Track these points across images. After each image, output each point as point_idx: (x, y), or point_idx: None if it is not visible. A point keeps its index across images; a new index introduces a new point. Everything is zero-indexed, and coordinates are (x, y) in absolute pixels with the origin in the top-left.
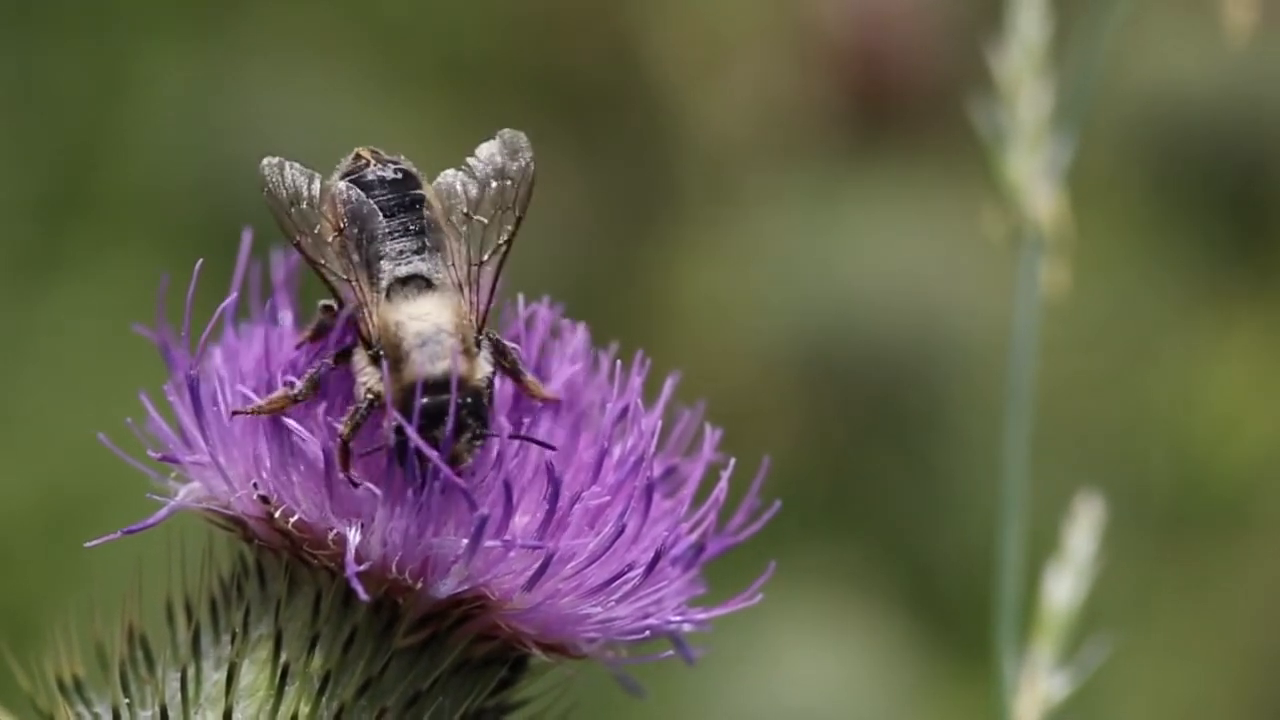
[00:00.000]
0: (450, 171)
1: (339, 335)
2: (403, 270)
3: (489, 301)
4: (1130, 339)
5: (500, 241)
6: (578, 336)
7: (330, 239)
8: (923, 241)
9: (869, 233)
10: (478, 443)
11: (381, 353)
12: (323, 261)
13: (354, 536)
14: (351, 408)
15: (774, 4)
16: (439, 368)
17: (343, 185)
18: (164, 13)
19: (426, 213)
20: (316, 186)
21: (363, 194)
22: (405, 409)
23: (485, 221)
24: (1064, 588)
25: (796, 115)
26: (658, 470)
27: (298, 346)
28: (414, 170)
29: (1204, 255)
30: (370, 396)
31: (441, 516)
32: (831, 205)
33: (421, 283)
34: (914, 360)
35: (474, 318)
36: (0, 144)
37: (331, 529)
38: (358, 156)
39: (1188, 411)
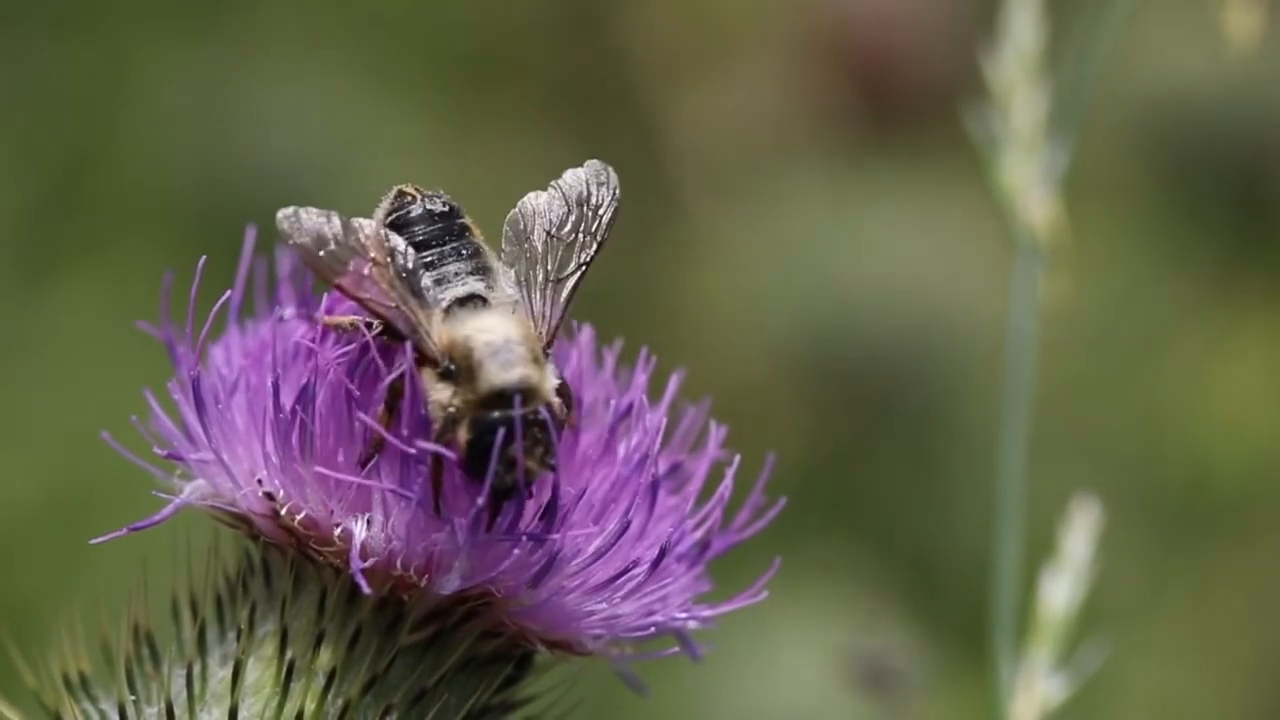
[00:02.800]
0: (538, 192)
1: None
2: (460, 290)
3: (560, 319)
4: (1136, 339)
5: (579, 263)
6: (584, 334)
7: (368, 271)
8: (925, 240)
9: (872, 232)
10: (549, 459)
11: (452, 366)
12: (367, 296)
13: (360, 531)
14: (435, 428)
15: (776, 5)
16: (513, 374)
17: (383, 230)
18: (163, 12)
19: (474, 239)
20: (337, 223)
21: (398, 235)
22: (480, 422)
23: (567, 242)
24: (1061, 591)
25: (799, 116)
26: (662, 467)
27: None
28: (456, 204)
29: (1210, 255)
30: (450, 411)
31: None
32: (834, 205)
33: (479, 301)
34: (917, 359)
35: (543, 331)
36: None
37: (337, 525)
38: (400, 194)
39: (1194, 412)
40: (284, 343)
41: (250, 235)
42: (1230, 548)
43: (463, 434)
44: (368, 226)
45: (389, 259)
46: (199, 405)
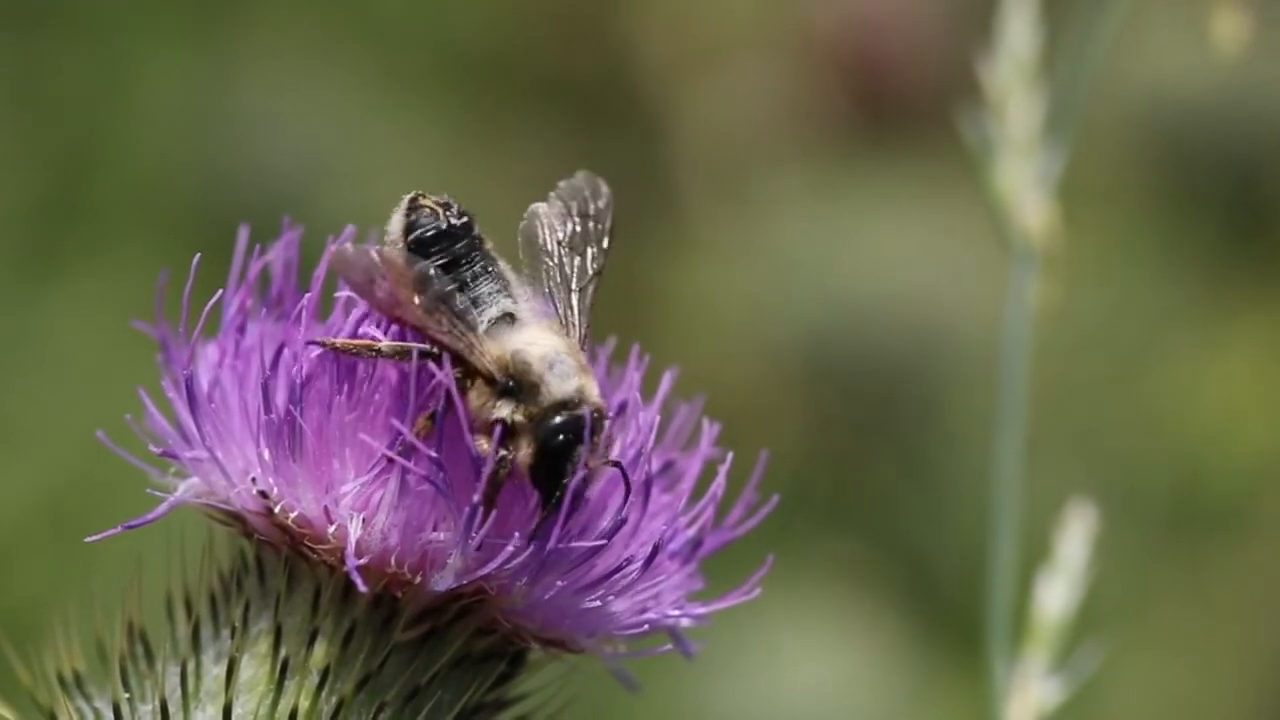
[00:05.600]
0: (541, 203)
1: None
2: (494, 311)
3: (587, 328)
4: (1130, 342)
5: (593, 272)
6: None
7: (418, 301)
8: (921, 243)
9: (869, 232)
10: (609, 454)
11: (510, 383)
12: (430, 326)
13: (355, 529)
14: (498, 451)
15: (774, 6)
16: (570, 385)
17: (404, 255)
18: (164, 15)
19: (492, 253)
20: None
21: (423, 260)
22: (546, 430)
23: (579, 252)
24: (1056, 595)
25: (796, 118)
26: (656, 465)
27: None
28: (470, 213)
29: (1203, 257)
30: (516, 423)
31: (441, 511)
32: (832, 205)
33: (510, 318)
34: (913, 359)
35: (576, 339)
36: (0, 145)
37: (332, 523)
38: (415, 205)
39: (1187, 413)
40: (275, 342)
41: (243, 235)
42: (1224, 549)
43: (527, 444)
44: (393, 249)
45: (425, 287)
46: (193, 403)
